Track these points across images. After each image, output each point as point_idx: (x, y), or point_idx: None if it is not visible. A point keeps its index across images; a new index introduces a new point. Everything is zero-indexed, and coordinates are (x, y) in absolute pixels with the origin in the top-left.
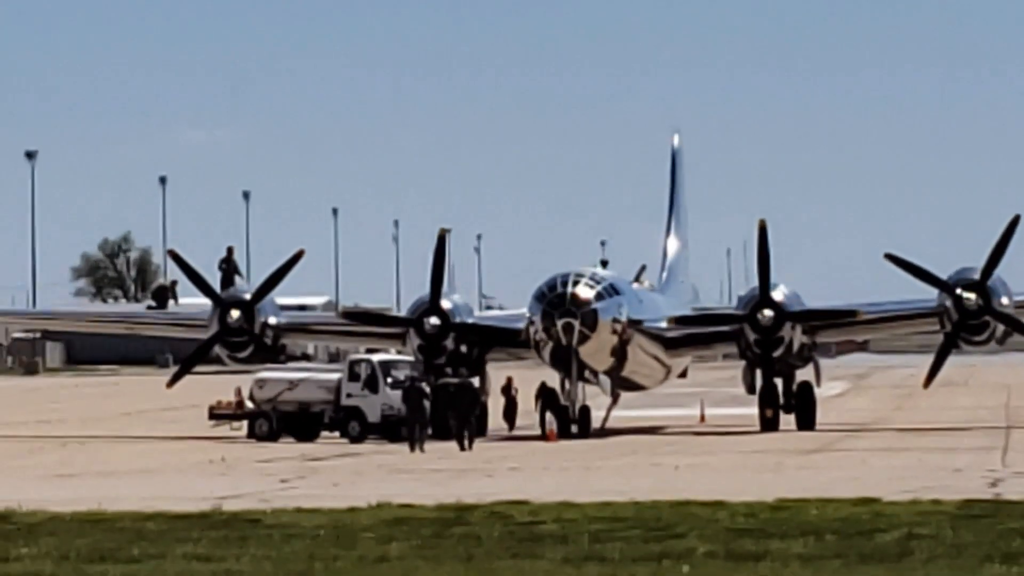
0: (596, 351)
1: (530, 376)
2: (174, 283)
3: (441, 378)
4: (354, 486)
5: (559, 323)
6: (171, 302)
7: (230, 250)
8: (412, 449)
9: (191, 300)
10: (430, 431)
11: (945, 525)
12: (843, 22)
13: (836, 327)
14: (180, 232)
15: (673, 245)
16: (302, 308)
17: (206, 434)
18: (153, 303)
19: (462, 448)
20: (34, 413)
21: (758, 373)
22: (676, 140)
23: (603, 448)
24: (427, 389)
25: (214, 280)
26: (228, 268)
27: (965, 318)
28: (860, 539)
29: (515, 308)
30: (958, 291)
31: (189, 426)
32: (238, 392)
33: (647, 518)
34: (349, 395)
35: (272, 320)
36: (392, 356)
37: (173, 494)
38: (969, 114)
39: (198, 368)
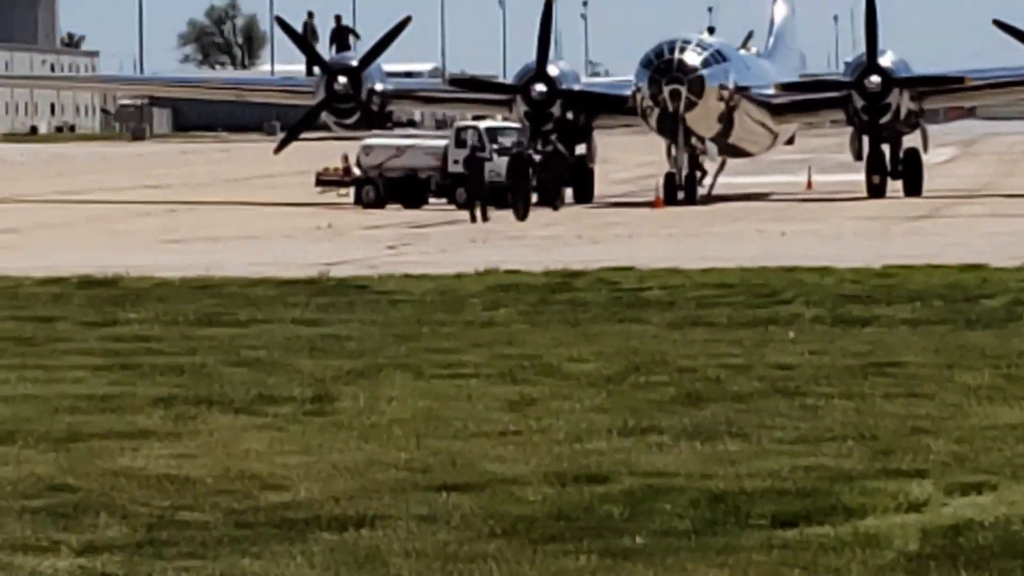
0: (703, 118)
1: (637, 143)
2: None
3: (548, 145)
4: (461, 252)
5: (666, 90)
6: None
7: (338, 18)
8: (518, 217)
9: (287, 67)
10: (535, 198)
11: None
12: None
13: (944, 93)
14: None
15: (780, 11)
16: (408, 75)
17: (313, 200)
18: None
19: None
20: (141, 179)
21: (865, 140)
22: None
23: (709, 215)
24: (534, 157)
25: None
26: (341, 35)
27: None
28: (967, 305)
29: (622, 75)
30: None
31: (296, 192)
32: (345, 159)
33: (753, 284)
34: (456, 162)
35: (379, 87)
36: (499, 123)
37: (280, 260)
38: None
39: (305, 135)
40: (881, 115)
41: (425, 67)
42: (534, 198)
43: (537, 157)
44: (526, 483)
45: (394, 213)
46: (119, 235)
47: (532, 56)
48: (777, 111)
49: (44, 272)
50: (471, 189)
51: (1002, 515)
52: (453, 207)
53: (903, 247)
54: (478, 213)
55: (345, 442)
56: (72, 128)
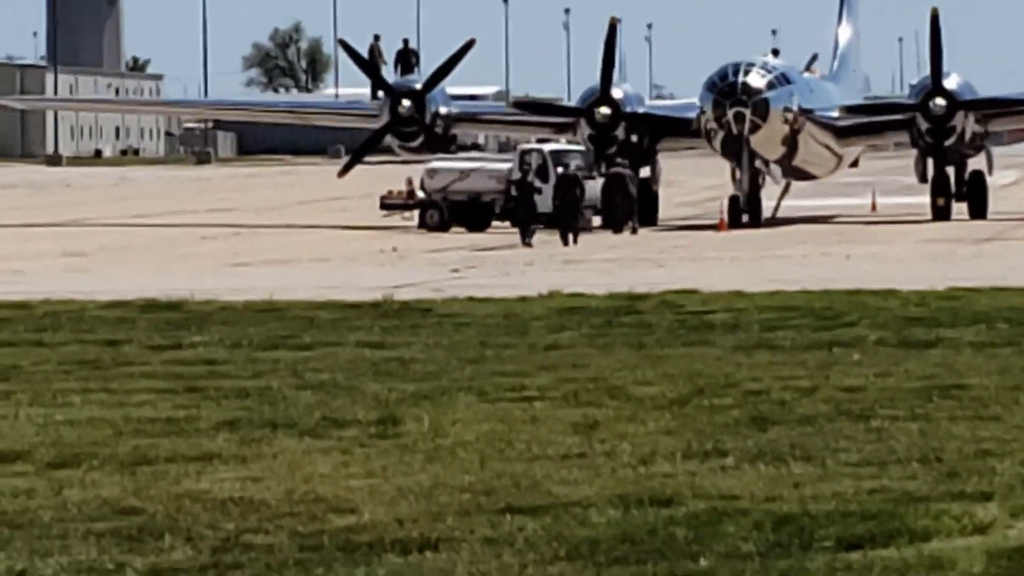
0: (767, 140)
1: (701, 166)
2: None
3: (612, 167)
4: (525, 275)
5: (730, 112)
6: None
7: (406, 42)
8: (564, 242)
9: (351, 90)
10: (596, 221)
11: None
12: None
13: (1009, 116)
14: (350, 22)
15: (844, 34)
16: (472, 98)
17: (377, 223)
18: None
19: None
20: (206, 202)
21: (930, 162)
22: None
23: (774, 238)
24: (582, 179)
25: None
26: (406, 58)
27: None
28: None
29: (686, 98)
30: None
31: (360, 215)
32: (409, 182)
33: (818, 307)
34: None
35: (443, 110)
36: (562, 146)
37: (345, 283)
38: None
39: (369, 158)
40: (946, 137)
41: (489, 90)
42: (597, 221)
43: (596, 179)
44: (591, 506)
45: (458, 236)
46: (184, 258)
47: (596, 79)
48: (841, 134)
49: (109, 295)
50: (522, 214)
51: None
52: (516, 230)
53: (968, 270)
54: (530, 238)
55: (410, 465)
56: (136, 152)
